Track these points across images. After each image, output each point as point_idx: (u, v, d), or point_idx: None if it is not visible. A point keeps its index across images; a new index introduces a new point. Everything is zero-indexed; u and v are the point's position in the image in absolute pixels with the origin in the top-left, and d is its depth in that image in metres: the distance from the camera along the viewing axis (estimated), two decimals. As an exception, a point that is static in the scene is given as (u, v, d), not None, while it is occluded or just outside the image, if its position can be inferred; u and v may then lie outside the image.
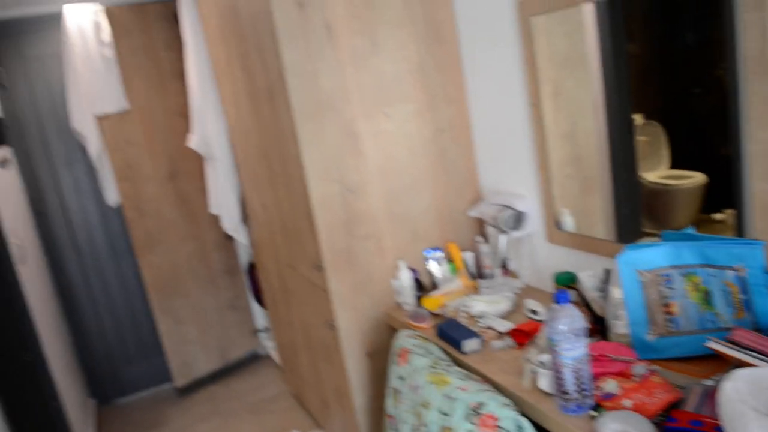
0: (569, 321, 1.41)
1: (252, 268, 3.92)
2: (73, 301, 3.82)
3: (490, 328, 1.97)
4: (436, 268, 2.39)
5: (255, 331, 4.18)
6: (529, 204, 2.21)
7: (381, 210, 2.31)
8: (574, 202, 2.08)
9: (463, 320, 2.06)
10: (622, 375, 1.51)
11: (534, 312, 2.02)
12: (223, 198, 3.35)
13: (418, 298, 2.29)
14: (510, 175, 2.32)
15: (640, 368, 1.51)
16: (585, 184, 2.02)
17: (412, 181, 2.35)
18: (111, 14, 3.38)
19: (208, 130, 3.23)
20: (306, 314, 2.72)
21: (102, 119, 3.42)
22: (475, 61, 2.34)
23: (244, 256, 4.08)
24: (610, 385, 1.46)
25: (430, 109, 2.36)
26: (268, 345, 4.17)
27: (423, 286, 2.37)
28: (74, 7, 3.27)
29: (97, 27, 3.32)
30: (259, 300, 3.91)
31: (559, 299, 1.43)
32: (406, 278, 2.28)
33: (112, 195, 3.62)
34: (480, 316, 2.05)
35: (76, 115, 3.39)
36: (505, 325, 1.95)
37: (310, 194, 2.19)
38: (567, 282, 2.02)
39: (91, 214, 3.81)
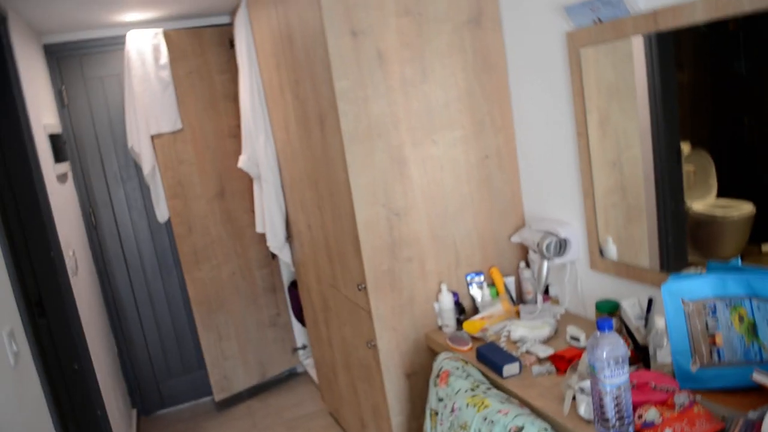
0: (611, 348, 1.42)
1: (294, 287, 4.00)
2: (120, 314, 3.95)
3: (530, 353, 1.99)
4: (477, 292, 2.42)
5: (294, 349, 4.24)
6: (573, 231, 2.23)
7: (425, 234, 2.35)
8: (618, 231, 2.09)
9: (504, 344, 2.08)
10: (664, 404, 1.52)
11: (575, 339, 2.03)
12: (269, 218, 3.44)
13: (459, 322, 2.32)
14: (554, 202, 2.35)
15: (682, 398, 1.51)
16: (630, 212, 2.03)
17: (456, 206, 2.40)
18: (169, 37, 3.53)
19: (258, 151, 3.33)
20: (346, 334, 2.77)
21: (156, 138, 3.56)
22: (522, 89, 2.39)
23: (286, 275, 4.17)
24: (651, 414, 1.47)
25: (477, 135, 2.41)
26: (307, 363, 4.23)
27: (464, 310, 2.40)
28: (137, 32, 3.43)
29: (156, 50, 3.47)
30: (300, 318, 3.97)
31: (601, 326, 1.45)
32: (447, 301, 2.31)
33: (162, 211, 3.75)
34: (521, 341, 2.07)
35: (132, 133, 3.54)
36: (546, 351, 1.97)
37: (356, 217, 2.25)
38: (609, 310, 2.03)
39: (140, 230, 3.94)
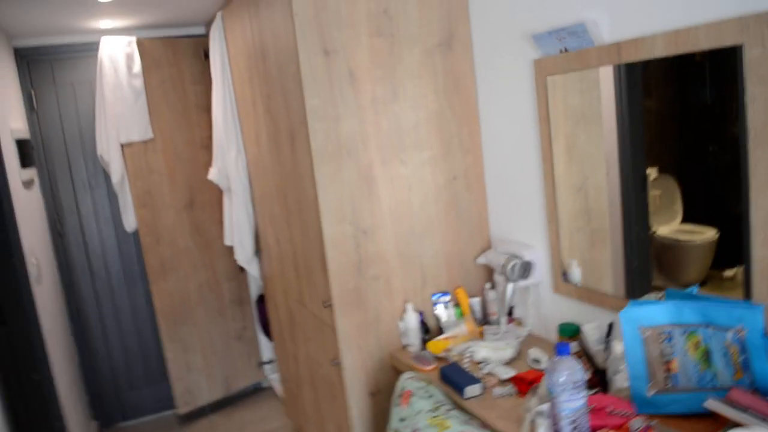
0: (569, 373, 1.45)
1: (261, 300, 3.97)
2: (84, 323, 3.88)
3: (492, 374, 2.01)
4: (443, 312, 2.43)
5: (260, 363, 4.21)
6: (537, 254, 2.26)
7: (392, 252, 2.37)
8: (583, 255, 2.13)
9: (467, 365, 2.10)
10: (620, 429, 1.54)
11: (536, 361, 2.05)
12: (237, 231, 3.43)
13: (424, 341, 2.33)
14: (520, 225, 2.38)
15: (637, 423, 1.54)
16: (594, 237, 2.07)
17: (424, 226, 2.42)
18: (143, 46, 3.52)
19: (229, 164, 3.32)
20: (312, 350, 2.76)
21: (126, 147, 3.53)
22: (491, 112, 2.43)
23: (254, 288, 4.14)
24: (607, 439, 1.49)
25: (446, 156, 2.44)
26: (273, 377, 4.19)
27: (429, 330, 2.41)
28: (110, 39, 3.40)
29: (129, 58, 3.45)
30: (267, 332, 3.95)
31: (560, 351, 1.47)
32: (412, 320, 2.33)
33: (129, 221, 3.71)
34: (483, 362, 2.09)
35: (102, 141, 3.50)
36: (508, 372, 1.99)
37: (323, 234, 2.26)
38: (571, 333, 2.06)
39: (107, 239, 3.89)
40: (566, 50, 1.97)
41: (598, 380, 1.81)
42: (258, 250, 3.49)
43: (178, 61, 3.68)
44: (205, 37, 3.71)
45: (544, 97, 2.10)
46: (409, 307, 2.35)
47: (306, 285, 2.64)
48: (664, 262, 1.90)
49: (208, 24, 3.59)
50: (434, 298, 2.46)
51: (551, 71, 2.05)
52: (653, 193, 1.85)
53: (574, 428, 1.46)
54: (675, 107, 1.78)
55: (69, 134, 3.74)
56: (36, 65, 3.60)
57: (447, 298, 2.45)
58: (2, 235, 2.60)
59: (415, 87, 2.36)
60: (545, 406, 1.62)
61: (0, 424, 1.97)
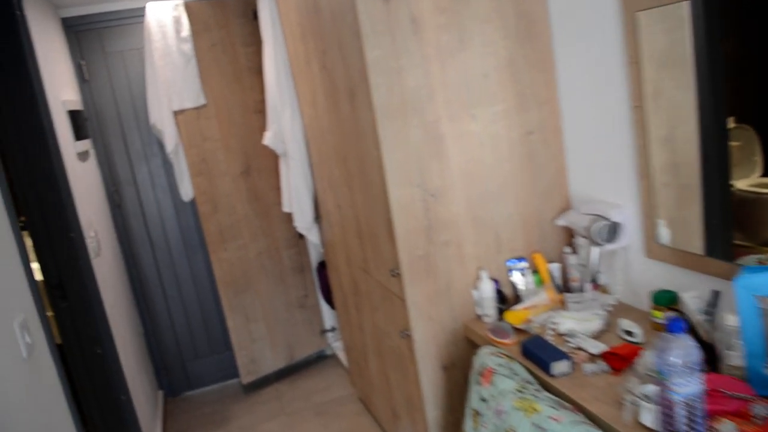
0: (683, 353, 1.25)
1: (322, 267, 3.87)
2: (146, 294, 3.86)
3: (580, 348, 1.82)
4: (519, 279, 2.25)
5: (323, 331, 4.13)
6: (626, 214, 2.03)
7: (463, 216, 2.18)
8: (671, 214, 1.89)
9: (551, 338, 1.91)
10: (740, 415, 1.34)
11: (629, 333, 1.85)
12: (296, 197, 3.30)
13: (501, 311, 2.15)
14: (604, 183, 2.15)
15: (760, 408, 1.33)
16: (682, 193, 1.83)
17: (496, 186, 2.22)
18: (190, 9, 3.38)
19: (284, 127, 3.18)
20: (378, 320, 2.62)
21: (179, 114, 3.43)
22: (569, 58, 2.19)
23: (314, 254, 4.03)
24: (727, 427, 1.30)
25: (519, 109, 2.22)
26: (336, 345, 4.11)
27: (505, 298, 2.23)
28: (156, 4, 3.27)
29: (177, 22, 3.32)
30: (329, 300, 3.85)
31: (672, 327, 1.27)
32: (487, 289, 2.15)
33: (186, 190, 3.63)
34: (569, 335, 1.90)
35: (154, 109, 3.41)
36: (598, 347, 1.80)
37: (389, 198, 2.08)
38: (667, 302, 1.85)
39: (165, 209, 3.83)
40: (662, -20, 1.72)
41: (705, 357, 1.60)
42: (318, 216, 3.36)
43: (228, 23, 3.53)
44: (254, -5, 3.55)
45: (632, 35, 1.85)
46: (484, 274, 2.17)
47: (371, 252, 2.49)
48: (744, 219, 1.71)
49: (257, -19, 3.42)
50: (510, 264, 2.27)
51: (641, 5, 1.80)
52: (732, 144, 1.66)
53: (689, 415, 1.27)
54: (754, 50, 1.58)
55: (122, 104, 3.66)
56: (84, 35, 3.51)
57: (524, 264, 2.26)
58: (59, 210, 2.54)
59: (483, 33, 2.13)
60: (650, 389, 1.43)
61: (61, 405, 1.91)
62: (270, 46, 3.12)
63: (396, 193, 2.08)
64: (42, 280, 2.49)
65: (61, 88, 2.95)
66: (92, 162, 3.44)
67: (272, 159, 3.66)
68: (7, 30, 2.32)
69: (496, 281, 2.21)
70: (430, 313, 2.19)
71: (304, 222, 3.34)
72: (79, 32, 3.49)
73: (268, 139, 3.30)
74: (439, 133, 2.10)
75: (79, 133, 3.11)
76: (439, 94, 2.09)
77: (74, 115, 3.07)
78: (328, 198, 3.00)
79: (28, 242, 2.20)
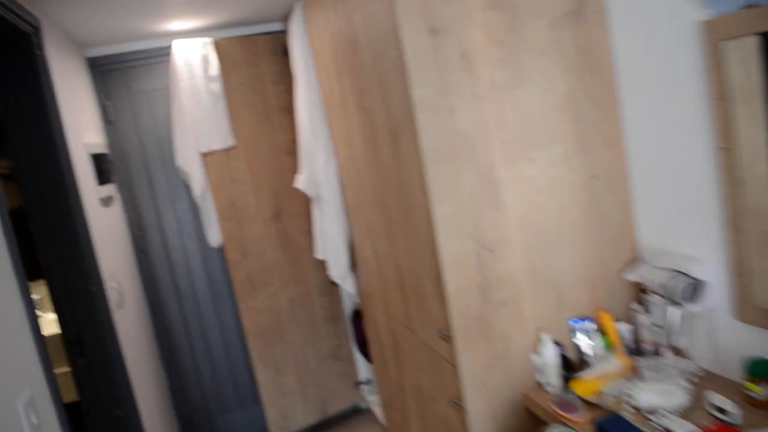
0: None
1: (357, 316, 3.63)
2: (172, 344, 3.66)
3: (667, 430, 1.55)
4: (585, 341, 1.99)
5: (357, 383, 3.87)
6: (710, 271, 1.78)
7: (521, 271, 1.94)
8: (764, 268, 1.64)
9: (629, 415, 1.65)
10: None
11: (722, 411, 1.58)
12: (330, 243, 3.09)
13: (566, 379, 1.90)
14: (680, 233, 1.90)
15: None
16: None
17: (557, 236, 1.98)
18: (219, 47, 3.23)
19: (317, 170, 2.98)
20: (423, 382, 2.37)
21: (207, 156, 3.26)
22: (635, 94, 1.96)
23: (348, 302, 3.80)
24: None
25: (581, 151, 1.99)
26: (371, 399, 3.84)
27: (571, 365, 1.97)
28: (183, 42, 3.14)
29: (205, 60, 3.17)
30: (364, 351, 3.60)
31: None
32: (550, 354, 1.89)
33: (214, 235, 3.45)
34: (650, 411, 1.64)
35: (181, 151, 3.25)
36: (687, 428, 1.53)
37: (439, 251, 1.86)
38: (765, 374, 1.58)
39: (192, 254, 3.65)
40: (752, 5, 1.49)
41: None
42: (353, 264, 3.14)
43: (257, 61, 3.38)
44: (283, 33, 3.40)
45: (717, 68, 1.63)
46: (546, 337, 1.92)
47: (414, 308, 2.26)
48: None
49: (286, 18, 3.27)
50: (573, 324, 2.02)
51: (728, 34, 1.58)
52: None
53: None
54: None
55: (147, 146, 3.51)
56: (110, 75, 3.38)
57: (589, 324, 2.00)
58: (78, 261, 2.36)
59: (540, 68, 1.92)
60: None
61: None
62: (302, 84, 2.95)
63: (447, 246, 1.85)
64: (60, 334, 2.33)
65: (84, 130, 2.81)
66: (117, 207, 3.28)
67: (304, 201, 3.47)
68: (26, 71, 2.18)
69: (559, 345, 1.95)
70: (485, 381, 1.94)
71: (338, 270, 3.12)
72: (105, 72, 3.36)
73: (300, 182, 3.11)
74: (494, 178, 1.88)
75: (103, 177, 2.96)
76: (494, 135, 1.87)
77: (98, 159, 2.92)
78: (364, 245, 2.78)
79: (44, 292, 2.02)
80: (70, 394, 3.01)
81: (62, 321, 2.36)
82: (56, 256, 2.33)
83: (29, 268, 1.73)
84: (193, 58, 3.15)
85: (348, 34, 2.29)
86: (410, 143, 1.89)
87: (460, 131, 1.83)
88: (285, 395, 3.62)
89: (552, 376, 1.90)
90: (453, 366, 1.96)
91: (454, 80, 1.82)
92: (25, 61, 2.15)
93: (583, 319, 2.02)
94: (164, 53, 3.33)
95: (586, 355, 1.98)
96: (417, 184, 1.91)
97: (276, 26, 3.54)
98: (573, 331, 2.02)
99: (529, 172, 1.93)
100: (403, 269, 2.28)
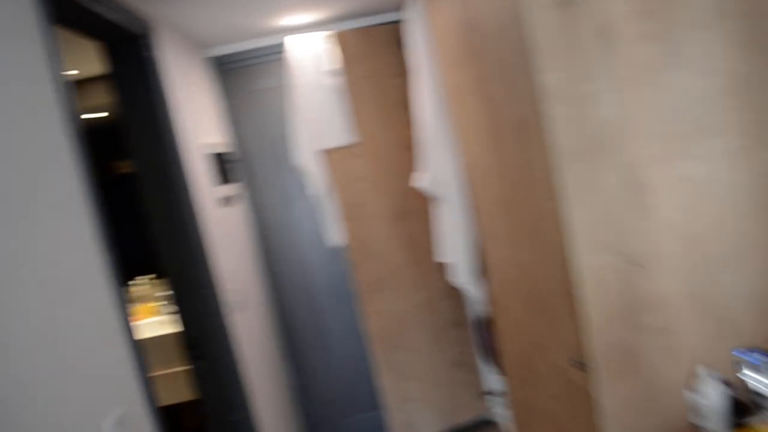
0: None
1: (479, 322, 3.37)
2: (295, 345, 3.60)
3: None
4: (756, 378, 1.61)
5: (482, 393, 3.61)
6: None
7: (678, 291, 1.60)
8: None
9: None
10: None
11: None
12: (453, 247, 2.85)
13: (735, 426, 1.54)
14: None
15: None
16: None
17: (724, 250, 1.61)
18: (335, 40, 3.11)
19: (439, 168, 2.76)
20: (556, 409, 2.08)
21: (326, 153, 3.15)
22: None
23: (471, 307, 3.55)
24: None
25: (755, 145, 1.60)
26: (499, 412, 3.57)
27: (742, 407, 1.60)
28: (297, 38, 3.04)
29: (321, 55, 3.05)
30: (491, 360, 3.33)
31: None
32: (714, 395, 1.54)
33: (333, 235, 3.33)
34: None
35: (300, 149, 3.16)
36: None
37: (573, 265, 1.57)
38: None
39: (311, 255, 3.56)
40: None
41: None
42: (484, 270, 2.88)
43: (376, 53, 3.21)
44: (397, 23, 3.20)
45: None
46: (708, 374, 1.57)
47: (544, 326, 1.97)
48: None
49: (399, 7, 3.06)
50: (739, 355, 1.64)
51: None
52: None
53: None
54: None
55: (267, 144, 3.46)
56: (230, 74, 3.37)
57: (764, 357, 1.62)
58: (191, 264, 2.33)
59: (702, 42, 1.57)
60: None
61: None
62: (421, 76, 2.73)
63: (584, 261, 1.55)
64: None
65: (203, 130, 2.78)
66: (240, 206, 3.26)
67: (425, 201, 3.26)
68: (137, 72, 2.16)
69: (726, 383, 1.59)
70: (629, 422, 1.61)
71: (459, 276, 2.88)
72: (225, 71, 3.35)
73: (424, 181, 2.90)
74: (641, 179, 1.56)
75: (223, 177, 2.93)
76: (641, 126, 1.55)
77: (219, 158, 2.90)
78: (491, 250, 2.52)
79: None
80: (177, 395, 3.04)
81: (182, 322, 2.37)
82: (174, 258, 2.35)
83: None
84: (309, 53, 3.05)
85: (468, 16, 2.04)
86: (536, 137, 1.61)
87: (597, 123, 1.53)
88: (409, 401, 3.45)
89: (715, 421, 1.55)
90: (588, 399, 1.66)
91: (590, 62, 1.52)
92: (135, 62, 2.13)
93: (752, 350, 1.64)
94: (278, 50, 3.26)
95: (758, 395, 1.60)
96: (543, 185, 1.63)
97: (390, 17, 3.34)
98: (738, 363, 1.64)
99: (686, 170, 1.58)
100: (529, 282, 2.01)
